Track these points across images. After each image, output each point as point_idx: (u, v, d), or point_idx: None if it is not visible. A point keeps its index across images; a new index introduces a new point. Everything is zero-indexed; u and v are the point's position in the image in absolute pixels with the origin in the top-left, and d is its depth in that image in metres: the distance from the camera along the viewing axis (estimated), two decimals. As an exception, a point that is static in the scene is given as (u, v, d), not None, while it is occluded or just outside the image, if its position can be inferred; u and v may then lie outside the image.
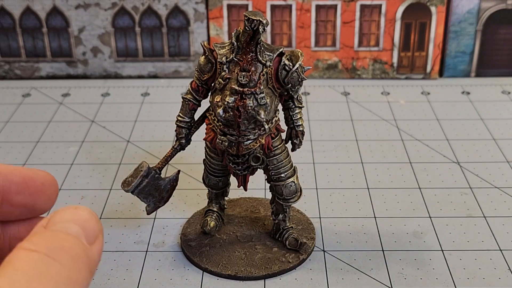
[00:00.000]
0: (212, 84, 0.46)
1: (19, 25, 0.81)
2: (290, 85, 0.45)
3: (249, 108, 0.44)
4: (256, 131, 0.45)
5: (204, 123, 0.48)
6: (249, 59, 0.44)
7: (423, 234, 0.53)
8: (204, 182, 0.51)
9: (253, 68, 0.44)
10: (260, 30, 0.42)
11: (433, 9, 0.79)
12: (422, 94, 0.79)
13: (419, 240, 0.53)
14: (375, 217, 0.55)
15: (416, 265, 0.50)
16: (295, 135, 0.48)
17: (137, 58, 0.82)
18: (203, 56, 0.46)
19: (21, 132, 0.70)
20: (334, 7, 0.79)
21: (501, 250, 0.51)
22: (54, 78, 0.83)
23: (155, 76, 0.83)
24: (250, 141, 0.46)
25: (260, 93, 0.44)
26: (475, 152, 0.65)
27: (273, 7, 0.79)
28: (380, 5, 0.79)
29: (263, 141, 0.46)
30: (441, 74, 0.83)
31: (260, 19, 0.42)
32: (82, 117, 0.74)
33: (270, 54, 0.44)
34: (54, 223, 0.30)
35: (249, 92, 0.44)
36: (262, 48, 0.44)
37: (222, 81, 0.44)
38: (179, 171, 0.50)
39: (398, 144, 0.67)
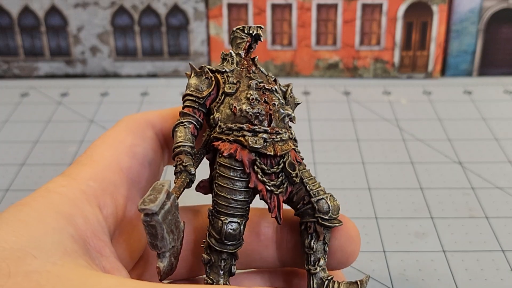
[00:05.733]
0: (213, 103, 0.39)
1: (17, 24, 0.80)
2: (288, 106, 0.42)
3: (275, 101, 0.39)
4: (285, 131, 0.39)
5: (209, 151, 0.39)
6: (252, 65, 0.41)
7: (424, 235, 0.53)
8: (212, 241, 0.38)
9: (258, 72, 0.41)
10: (261, 33, 0.41)
11: (434, 8, 0.78)
12: (423, 93, 0.78)
13: (421, 240, 0.52)
14: (376, 218, 0.55)
15: (417, 266, 0.49)
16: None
17: (136, 57, 0.82)
18: (194, 77, 0.40)
19: (19, 132, 0.70)
20: (335, 6, 0.79)
21: (503, 251, 0.51)
22: (52, 78, 0.83)
23: (154, 76, 0.83)
24: (283, 141, 0.39)
25: (278, 92, 0.40)
26: (477, 152, 0.65)
27: (274, 6, 0.79)
28: (381, 4, 0.78)
29: (292, 145, 0.39)
30: (442, 73, 0.82)
31: (257, 25, 0.41)
32: (81, 116, 0.73)
33: (265, 71, 0.42)
34: None
35: (269, 88, 0.40)
36: (258, 65, 0.42)
37: (233, 85, 0.39)
38: (184, 222, 0.37)
39: (400, 144, 0.67)
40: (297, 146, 0.40)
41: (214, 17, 0.80)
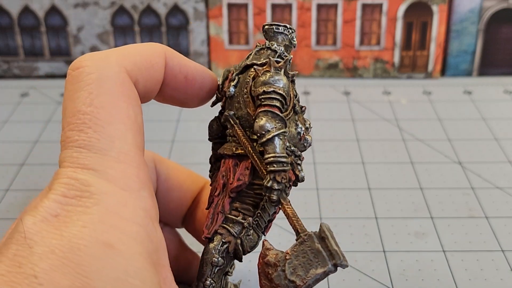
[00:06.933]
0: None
1: (17, 24, 0.80)
2: None
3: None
4: None
5: None
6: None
7: (424, 235, 0.53)
8: (240, 254, 0.37)
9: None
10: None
11: (434, 8, 0.78)
12: (423, 93, 0.78)
13: (421, 240, 0.52)
14: (376, 218, 0.55)
15: (417, 266, 0.49)
16: None
17: (136, 57, 0.82)
18: (285, 76, 0.36)
19: (19, 132, 0.70)
20: (335, 6, 0.79)
21: (503, 251, 0.51)
22: (52, 78, 0.83)
23: (154, 76, 0.83)
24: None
25: None
26: (477, 152, 0.65)
27: (274, 6, 0.79)
28: (381, 4, 0.78)
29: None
30: (442, 73, 0.82)
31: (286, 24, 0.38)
32: (81, 116, 0.73)
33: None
34: None
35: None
36: None
37: (297, 102, 0.37)
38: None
39: (400, 144, 0.66)
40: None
41: (214, 17, 0.80)
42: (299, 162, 0.36)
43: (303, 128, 0.36)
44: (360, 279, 0.48)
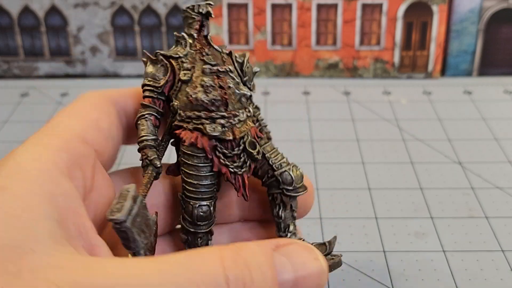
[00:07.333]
0: (171, 90, 0.40)
1: (17, 24, 0.80)
2: (247, 77, 0.42)
3: (230, 83, 0.40)
4: (243, 111, 0.40)
5: (173, 137, 0.41)
6: (205, 45, 0.41)
7: (424, 235, 0.53)
8: (186, 224, 0.40)
9: (212, 52, 0.41)
10: (211, 11, 0.41)
11: (434, 8, 0.78)
12: (423, 93, 0.78)
13: (421, 241, 0.52)
14: (376, 218, 0.55)
15: (417, 266, 0.49)
16: (266, 138, 0.43)
17: (136, 57, 0.82)
18: (150, 65, 0.41)
19: (19, 132, 0.70)
20: (335, 6, 0.79)
21: (503, 251, 0.51)
22: (52, 78, 0.83)
23: (154, 76, 0.83)
24: (241, 122, 0.40)
25: (232, 72, 0.40)
26: (477, 152, 0.65)
27: (274, 6, 0.79)
28: (381, 4, 0.78)
29: (251, 124, 0.41)
30: (442, 73, 0.82)
31: (206, 2, 0.41)
32: (81, 116, 0.73)
33: (219, 48, 0.42)
34: (277, 245, 0.31)
35: (223, 70, 0.40)
36: (212, 41, 0.42)
37: (188, 71, 0.40)
38: (156, 212, 0.38)
39: (400, 144, 0.67)
40: (258, 117, 0.42)
41: (214, 17, 0.80)
42: (204, 121, 0.39)
43: (190, 94, 0.39)
44: (360, 279, 0.48)
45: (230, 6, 0.79)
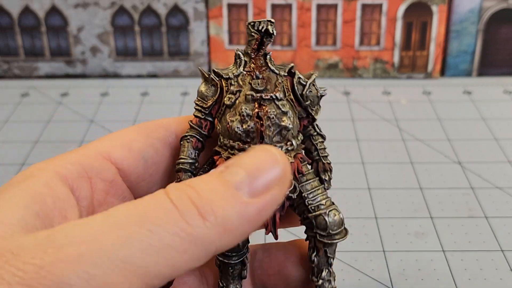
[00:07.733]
0: (219, 111, 0.38)
1: (17, 24, 0.80)
2: (309, 101, 0.39)
3: (271, 113, 0.36)
4: (282, 145, 0.37)
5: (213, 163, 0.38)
6: (260, 66, 0.37)
7: (424, 235, 0.53)
8: (218, 255, 0.38)
9: (266, 75, 0.37)
10: (270, 30, 0.37)
11: (434, 8, 0.78)
12: (423, 93, 0.78)
13: (421, 240, 0.52)
14: (376, 218, 0.55)
15: (417, 266, 0.49)
16: (322, 170, 0.40)
17: (136, 57, 0.82)
18: (203, 83, 0.38)
19: (19, 132, 0.70)
20: (335, 6, 0.79)
21: (502, 250, 0.51)
22: (53, 78, 0.83)
23: (154, 76, 0.83)
24: None
25: (280, 99, 0.37)
26: (477, 152, 0.65)
27: (274, 6, 0.79)
28: (381, 4, 0.78)
29: (291, 159, 0.37)
30: (442, 73, 0.82)
31: (267, 19, 0.37)
32: (81, 116, 0.73)
33: (281, 67, 0.38)
34: (226, 166, 0.30)
35: (268, 97, 0.37)
36: (272, 61, 0.38)
37: (232, 96, 0.37)
38: None
39: (399, 144, 0.67)
40: (319, 147, 0.39)
41: (214, 17, 0.80)
42: (236, 152, 0.36)
43: (228, 121, 0.37)
44: (360, 279, 0.48)
45: (230, 6, 0.79)
